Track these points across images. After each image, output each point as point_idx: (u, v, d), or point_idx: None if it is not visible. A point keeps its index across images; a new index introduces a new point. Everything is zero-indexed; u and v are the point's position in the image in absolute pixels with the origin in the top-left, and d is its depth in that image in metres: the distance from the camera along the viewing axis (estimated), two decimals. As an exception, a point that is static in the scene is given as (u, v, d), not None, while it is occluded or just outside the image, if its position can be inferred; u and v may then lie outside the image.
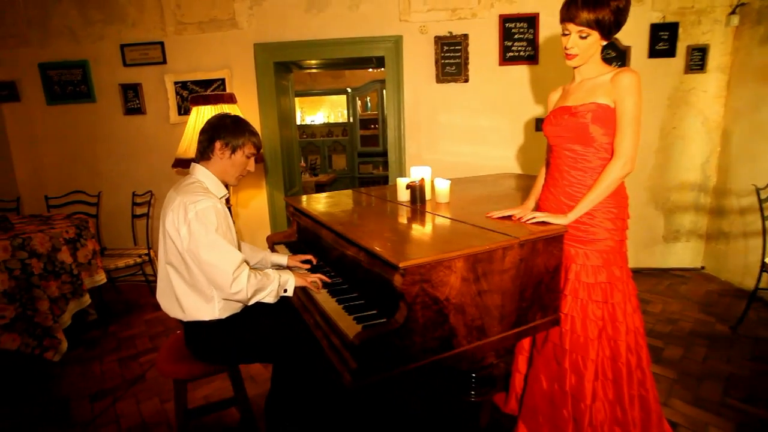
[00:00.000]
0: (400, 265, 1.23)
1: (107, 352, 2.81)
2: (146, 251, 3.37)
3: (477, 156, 3.53)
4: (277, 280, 1.65)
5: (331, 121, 7.28)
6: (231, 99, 3.02)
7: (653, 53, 3.29)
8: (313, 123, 7.33)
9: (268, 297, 1.64)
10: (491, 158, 3.51)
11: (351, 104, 6.83)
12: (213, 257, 1.49)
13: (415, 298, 1.28)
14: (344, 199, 2.46)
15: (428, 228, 1.72)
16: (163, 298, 1.67)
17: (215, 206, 1.53)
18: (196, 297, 1.59)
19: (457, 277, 1.34)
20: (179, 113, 3.65)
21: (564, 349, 1.57)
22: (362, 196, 2.49)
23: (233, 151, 1.65)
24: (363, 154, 7.01)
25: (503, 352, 1.52)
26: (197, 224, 1.48)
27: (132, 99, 3.69)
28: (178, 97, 3.62)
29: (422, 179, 2.09)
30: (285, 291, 1.70)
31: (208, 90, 3.57)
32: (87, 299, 2.76)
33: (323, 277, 1.76)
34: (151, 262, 3.37)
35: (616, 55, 3.27)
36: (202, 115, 2.91)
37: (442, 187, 2.09)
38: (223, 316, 1.64)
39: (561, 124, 1.56)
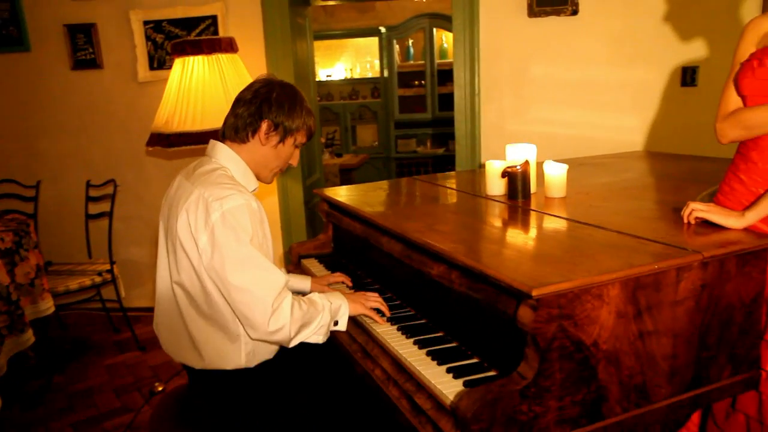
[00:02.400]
0: (534, 293, 1.22)
1: (56, 414, 2.88)
2: (108, 267, 3.46)
3: (588, 126, 3.48)
4: (328, 309, 1.66)
5: (356, 76, 7.33)
6: (231, 46, 3.10)
7: None
8: (329, 79, 7.39)
9: (316, 335, 1.64)
10: (610, 129, 3.45)
11: (386, 51, 6.87)
12: (246, 279, 1.50)
13: (551, 341, 1.27)
14: (403, 191, 2.48)
15: (549, 236, 1.71)
16: (165, 332, 1.71)
17: (249, 205, 1.55)
18: (216, 334, 1.61)
19: (610, 312, 1.32)
20: (151, 67, 3.73)
21: (765, 427, 1.53)
22: (428, 187, 2.49)
23: (283, 137, 1.68)
24: (403, 124, 7.04)
25: (673, 425, 1.49)
26: (225, 231, 1.50)
27: (83, 47, 3.77)
28: (149, 43, 3.70)
29: (527, 162, 2.08)
30: (335, 324, 1.72)
31: (193, 33, 3.64)
32: (29, 337, 2.85)
33: (382, 303, 1.77)
34: (115, 282, 3.46)
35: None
36: (190, 69, 2.98)
37: (556, 173, 2.08)
38: (252, 365, 1.65)
39: None
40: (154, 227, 3.95)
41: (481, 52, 3.48)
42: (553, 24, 3.40)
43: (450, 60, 6.85)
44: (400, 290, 1.93)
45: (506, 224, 1.88)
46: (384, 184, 2.69)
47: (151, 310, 4.02)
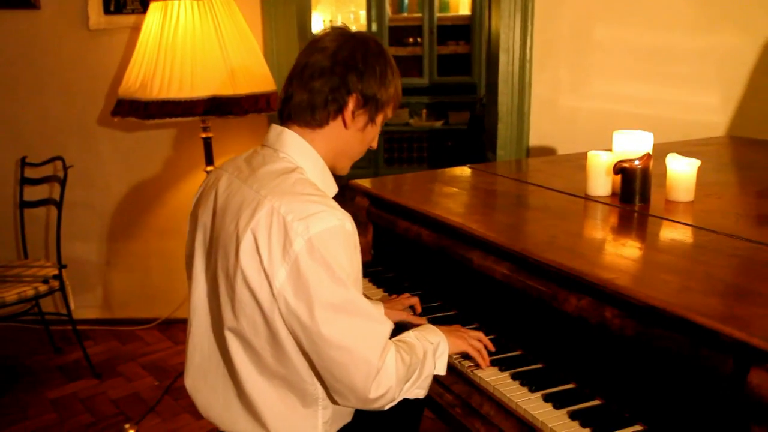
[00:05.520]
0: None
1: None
2: (55, 271, 3.23)
3: (660, 103, 3.44)
4: (431, 354, 1.53)
5: (336, 30, 7.21)
6: (227, -12, 2.92)
7: None
8: (302, 32, 7.24)
9: (418, 389, 1.51)
10: (687, 108, 3.43)
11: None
12: (344, 333, 1.33)
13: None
14: (467, 186, 2.38)
15: (727, 263, 1.54)
16: (207, 393, 1.56)
17: (343, 227, 1.37)
18: (285, 398, 1.47)
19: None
20: (107, 10, 3.59)
21: None
22: (493, 180, 2.41)
23: (374, 115, 1.52)
24: (393, 91, 6.90)
25: None
26: (313, 266, 1.31)
27: (13, -21, 3.59)
28: (104, -21, 3.56)
29: (648, 156, 1.99)
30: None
31: (162, -32, 3.42)
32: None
33: (484, 338, 1.66)
34: (64, 291, 3.22)
35: None
36: (174, 17, 2.83)
37: (685, 170, 1.98)
38: (332, 432, 1.52)
39: None
40: (107, 218, 3.81)
41: (536, 8, 3.39)
42: (625, -25, 3.35)
43: (452, 14, 6.86)
44: (497, 322, 1.78)
45: (649, 241, 1.74)
46: (435, 175, 2.58)
47: (103, 322, 3.98)
